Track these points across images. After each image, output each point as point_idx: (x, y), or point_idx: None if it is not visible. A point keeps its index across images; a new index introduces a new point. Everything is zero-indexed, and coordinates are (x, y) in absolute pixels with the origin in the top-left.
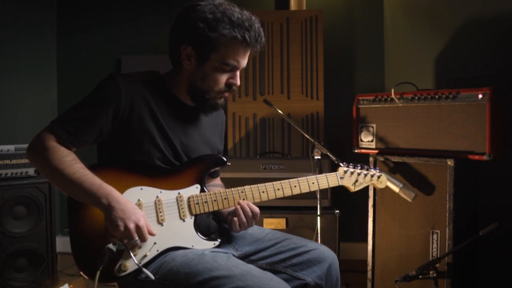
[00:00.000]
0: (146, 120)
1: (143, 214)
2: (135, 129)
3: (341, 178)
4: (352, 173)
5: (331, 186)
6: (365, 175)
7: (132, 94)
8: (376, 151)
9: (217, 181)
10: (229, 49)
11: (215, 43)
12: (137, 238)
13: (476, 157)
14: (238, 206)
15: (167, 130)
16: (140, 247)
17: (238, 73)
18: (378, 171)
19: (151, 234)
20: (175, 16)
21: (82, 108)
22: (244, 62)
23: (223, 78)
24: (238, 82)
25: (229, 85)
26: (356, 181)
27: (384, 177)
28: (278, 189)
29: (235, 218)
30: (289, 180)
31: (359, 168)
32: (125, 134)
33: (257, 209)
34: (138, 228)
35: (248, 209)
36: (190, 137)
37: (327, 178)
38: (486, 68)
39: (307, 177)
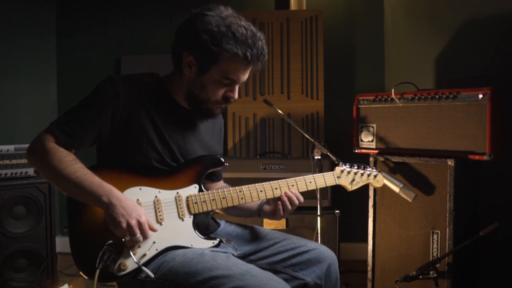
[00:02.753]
0: (144, 122)
1: (144, 212)
2: (133, 130)
3: (338, 177)
4: (349, 172)
5: (328, 185)
6: (362, 174)
7: (130, 96)
8: (376, 151)
9: (221, 183)
10: (230, 64)
11: (217, 57)
12: (139, 234)
13: (477, 157)
14: (284, 194)
15: (164, 132)
16: (139, 246)
17: (237, 87)
18: (374, 170)
19: (153, 230)
20: (181, 20)
21: (80, 110)
22: (244, 77)
23: (221, 90)
24: (236, 96)
25: (226, 98)
26: (353, 180)
27: (380, 176)
28: (276, 188)
29: (279, 202)
30: (287, 179)
31: (356, 167)
32: (123, 135)
33: (301, 198)
34: (140, 225)
35: (295, 198)
36: (188, 140)
37: (324, 177)
38: (486, 68)
39: (305, 176)
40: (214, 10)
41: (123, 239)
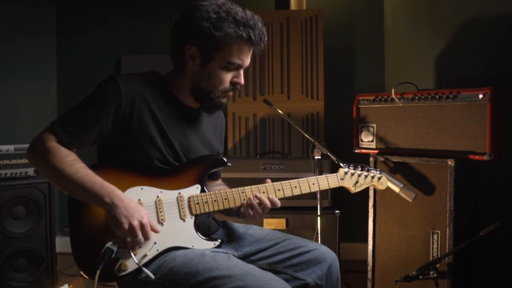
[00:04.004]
0: (146, 121)
1: (146, 213)
2: (135, 130)
3: (341, 179)
4: (352, 174)
5: (331, 187)
6: (366, 176)
7: (133, 95)
8: (376, 151)
9: (219, 182)
10: (234, 48)
11: (220, 42)
12: (141, 235)
13: (477, 157)
14: (254, 197)
15: (167, 131)
16: (140, 247)
17: (242, 71)
18: (378, 172)
19: (155, 231)
20: (177, 17)
21: (82, 109)
22: (247, 60)
23: (228, 77)
24: (243, 81)
25: (233, 84)
26: (357, 182)
27: (384, 178)
28: (279, 190)
29: (247, 204)
30: (290, 180)
31: (360, 169)
32: (125, 134)
33: (278, 202)
34: (142, 226)
35: (266, 201)
36: (190, 139)
37: (327, 179)
38: (486, 68)
39: (308, 178)
40: (208, 0)
41: (126, 239)
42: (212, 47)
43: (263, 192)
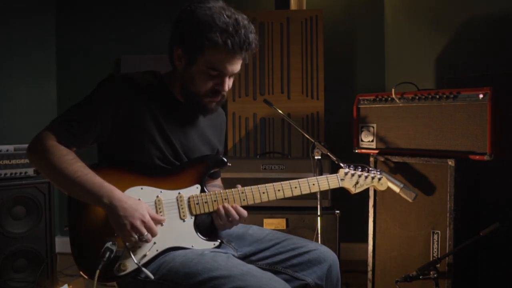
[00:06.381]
0: (145, 120)
1: (147, 207)
2: (134, 129)
3: (341, 180)
4: (352, 175)
5: (331, 187)
6: (366, 177)
7: (132, 94)
8: (376, 151)
9: (218, 181)
10: (214, 54)
11: (201, 47)
12: (146, 232)
13: (477, 157)
14: (222, 208)
15: (166, 130)
16: (140, 247)
17: (226, 79)
18: (379, 173)
19: (159, 222)
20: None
21: (82, 108)
22: (232, 68)
23: (209, 81)
24: (226, 89)
25: (216, 91)
26: (357, 183)
27: (384, 179)
28: (279, 190)
29: (215, 215)
30: (290, 181)
31: (360, 170)
32: (125, 133)
33: (244, 213)
34: (144, 224)
35: (234, 213)
36: (190, 137)
37: (327, 179)
38: (487, 68)
39: (308, 178)
40: (203, 2)
41: (131, 240)
42: (194, 51)
43: (263, 193)
